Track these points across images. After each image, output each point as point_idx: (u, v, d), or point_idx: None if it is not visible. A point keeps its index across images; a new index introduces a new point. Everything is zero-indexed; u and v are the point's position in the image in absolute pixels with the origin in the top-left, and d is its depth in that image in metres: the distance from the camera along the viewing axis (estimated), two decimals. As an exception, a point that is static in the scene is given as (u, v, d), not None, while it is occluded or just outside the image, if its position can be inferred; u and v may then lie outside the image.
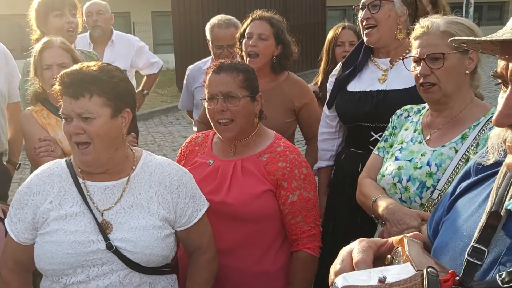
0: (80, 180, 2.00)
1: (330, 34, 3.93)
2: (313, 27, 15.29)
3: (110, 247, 1.92)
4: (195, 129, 3.93)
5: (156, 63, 5.34)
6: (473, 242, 1.09)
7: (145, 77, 5.51)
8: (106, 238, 1.92)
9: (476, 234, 1.10)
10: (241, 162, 2.28)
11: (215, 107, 2.23)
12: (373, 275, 1.00)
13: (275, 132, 2.41)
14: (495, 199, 1.12)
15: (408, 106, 2.38)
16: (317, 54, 4.23)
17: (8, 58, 3.59)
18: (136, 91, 5.23)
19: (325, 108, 3.08)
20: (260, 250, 2.28)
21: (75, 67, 1.96)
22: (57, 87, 1.95)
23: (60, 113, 1.95)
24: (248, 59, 3.13)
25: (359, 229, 2.42)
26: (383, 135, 2.41)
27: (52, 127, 2.82)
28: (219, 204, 2.23)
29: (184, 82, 4.39)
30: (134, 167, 2.06)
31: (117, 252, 1.93)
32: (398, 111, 2.39)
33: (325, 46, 3.96)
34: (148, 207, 2.00)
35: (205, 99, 2.29)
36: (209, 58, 4.35)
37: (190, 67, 4.41)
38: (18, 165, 3.79)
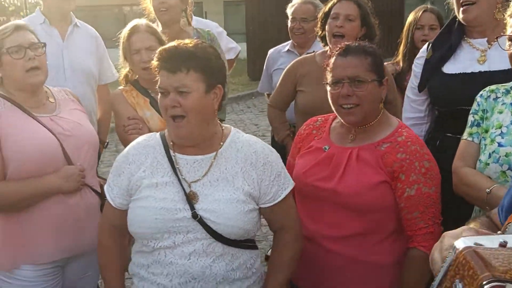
0: (172, 153, 2.10)
1: (410, 17, 3.87)
2: (390, 15, 14.91)
3: (195, 216, 2.01)
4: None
5: (234, 48, 5.37)
6: None
7: None
8: (192, 208, 2.02)
9: None
10: (358, 150, 2.18)
11: (341, 91, 2.14)
12: (493, 239, 1.00)
13: (399, 121, 2.29)
14: None
15: (493, 87, 2.25)
16: (392, 43, 4.18)
17: (99, 42, 3.75)
18: None
19: (410, 92, 2.99)
20: (373, 241, 2.18)
21: (173, 43, 2.05)
22: (155, 62, 2.03)
23: (157, 87, 2.04)
24: (332, 39, 3.09)
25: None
26: (472, 119, 2.27)
27: (140, 107, 2.93)
28: (330, 192, 2.17)
29: (264, 65, 4.48)
30: (222, 143, 2.12)
31: (201, 222, 2.01)
32: (484, 93, 2.26)
33: (404, 28, 3.91)
34: (233, 182, 2.07)
35: (327, 83, 2.22)
36: (289, 42, 4.42)
37: (270, 50, 4.53)
38: (106, 143, 3.95)
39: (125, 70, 3.05)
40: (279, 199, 2.14)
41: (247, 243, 2.14)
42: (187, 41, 2.05)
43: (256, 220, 2.13)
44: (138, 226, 2.05)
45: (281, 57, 4.38)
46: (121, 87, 3.06)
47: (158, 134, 2.19)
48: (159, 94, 2.05)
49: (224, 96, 2.15)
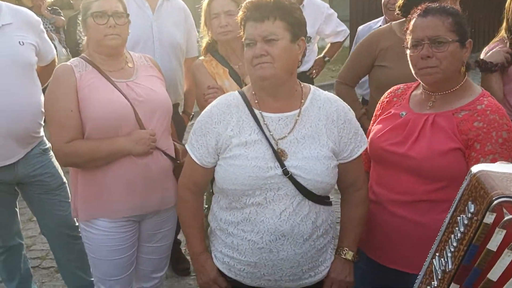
0: (257, 111, 2.14)
1: None
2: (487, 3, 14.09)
3: (286, 173, 2.06)
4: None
5: (343, 31, 5.33)
6: None
7: (328, 45, 5.53)
8: (282, 165, 2.07)
9: None
10: (434, 116, 2.15)
11: (421, 53, 2.11)
12: (510, 167, 0.98)
13: (482, 89, 2.21)
14: None
15: None
16: (490, 33, 3.97)
17: (187, 14, 3.85)
18: (317, 58, 5.43)
19: None
20: (440, 209, 2.12)
21: None
22: (241, 14, 2.10)
23: (243, 40, 2.10)
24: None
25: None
26: None
27: (220, 76, 3.02)
28: (401, 156, 2.17)
29: (354, 42, 4.44)
30: (303, 101, 2.17)
31: (292, 179, 2.07)
32: None
33: (505, 9, 3.73)
34: (318, 139, 2.11)
35: (407, 47, 2.20)
36: (381, 18, 4.36)
37: (360, 27, 4.48)
38: (192, 115, 4.12)
39: (205, 39, 3.16)
40: (355, 156, 2.19)
41: (326, 200, 2.22)
42: None
43: (337, 176, 2.19)
44: (231, 183, 2.10)
45: None
46: (201, 58, 3.18)
47: (237, 93, 2.23)
48: (245, 46, 2.09)
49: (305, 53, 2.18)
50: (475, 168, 1.01)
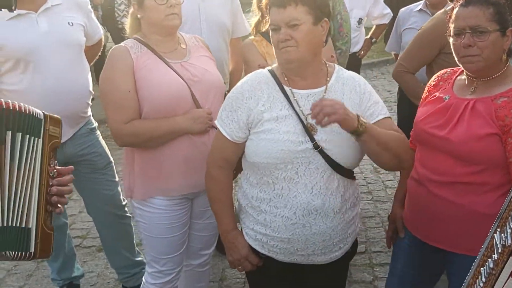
0: (286, 88, 2.19)
1: None
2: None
3: (316, 146, 2.11)
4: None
5: (388, 14, 5.64)
6: None
7: (374, 27, 5.93)
8: (312, 139, 2.12)
9: None
10: (474, 102, 2.18)
11: (462, 42, 2.14)
12: None
13: None
14: None
15: None
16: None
17: None
18: (364, 38, 5.81)
19: None
20: (478, 191, 2.18)
21: None
22: (265, 1, 2.16)
23: (269, 25, 2.15)
24: None
25: None
26: None
27: (270, 56, 3.00)
28: (441, 139, 2.21)
29: (394, 24, 4.42)
30: (329, 79, 2.22)
31: (322, 152, 2.12)
32: None
33: None
34: None
35: (450, 35, 2.22)
36: (422, 1, 4.30)
37: (402, 9, 4.46)
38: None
39: (254, 19, 3.14)
40: (374, 120, 2.20)
41: (352, 174, 2.28)
42: None
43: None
44: (264, 156, 2.14)
45: (412, 16, 4.30)
46: (251, 37, 3.16)
47: (266, 70, 2.28)
48: (271, 31, 2.15)
49: (330, 31, 2.23)
50: None
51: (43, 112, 1.71)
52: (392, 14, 5.30)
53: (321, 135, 2.13)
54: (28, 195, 1.64)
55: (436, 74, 2.49)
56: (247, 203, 2.30)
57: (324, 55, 2.30)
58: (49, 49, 3.04)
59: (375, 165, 5.88)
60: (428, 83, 2.49)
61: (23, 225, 1.63)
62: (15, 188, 1.61)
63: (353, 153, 2.17)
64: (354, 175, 2.30)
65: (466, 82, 2.28)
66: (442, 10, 3.42)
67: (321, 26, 2.14)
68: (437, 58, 3.34)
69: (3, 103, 1.61)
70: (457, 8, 2.19)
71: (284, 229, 2.20)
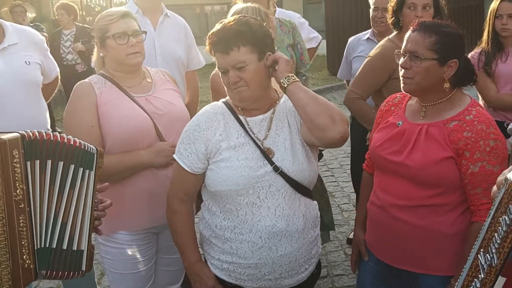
0: (241, 117, 2.25)
1: (491, 6, 3.93)
2: (470, 11, 14.49)
3: (276, 169, 2.18)
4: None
5: (315, 37, 5.46)
6: None
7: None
8: (271, 162, 2.18)
9: None
10: (427, 127, 2.26)
11: (400, 63, 2.27)
12: None
13: (472, 98, 2.32)
14: None
15: None
16: (473, 40, 4.17)
17: (188, 31, 3.91)
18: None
19: None
20: (438, 213, 2.25)
21: (218, 27, 2.17)
22: (207, 47, 2.18)
23: (217, 68, 2.20)
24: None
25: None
26: None
27: None
28: (399, 165, 2.27)
29: (344, 52, 4.56)
30: (278, 102, 2.31)
31: (281, 173, 2.18)
32: None
33: (487, 17, 3.95)
34: (291, 129, 2.25)
35: (396, 53, 2.33)
36: (369, 30, 4.48)
37: (351, 38, 4.64)
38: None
39: None
40: None
41: (311, 193, 2.34)
42: (230, 19, 2.18)
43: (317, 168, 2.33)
44: (224, 184, 2.17)
45: (361, 45, 4.45)
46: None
47: (220, 103, 2.33)
48: (220, 73, 2.20)
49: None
50: (511, 175, 1.11)
51: (96, 147, 2.01)
52: (320, 38, 5.31)
53: (277, 156, 2.20)
54: (81, 220, 1.92)
55: (386, 100, 2.57)
56: (211, 233, 2.31)
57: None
58: (6, 88, 3.00)
59: (330, 189, 6.01)
60: (379, 108, 2.56)
61: (77, 248, 1.91)
62: (69, 214, 1.88)
63: (308, 167, 2.23)
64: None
65: (417, 106, 2.36)
66: (386, 38, 3.57)
67: (266, 59, 2.17)
68: (387, 83, 3.44)
69: (65, 139, 1.88)
70: (409, 32, 2.30)
71: (251, 254, 2.22)
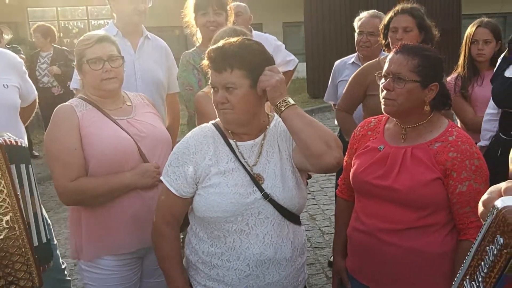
0: (231, 141, 2.21)
1: (467, 31, 4.02)
2: (447, 34, 14.68)
3: (266, 196, 2.14)
4: (336, 122, 4.07)
5: (292, 60, 5.48)
6: None
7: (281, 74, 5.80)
8: (261, 189, 2.14)
9: None
10: (412, 149, 2.27)
11: (383, 84, 2.28)
12: None
13: (449, 120, 2.36)
14: None
15: None
16: (451, 62, 4.24)
17: (168, 53, 3.90)
18: None
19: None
20: (426, 233, 2.26)
21: (220, 43, 2.14)
22: (205, 62, 2.15)
23: (209, 83, 2.17)
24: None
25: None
26: None
27: None
28: (386, 189, 2.27)
29: (330, 76, 4.59)
30: (268, 126, 2.26)
31: (271, 201, 2.14)
32: None
33: (463, 42, 4.02)
34: (282, 155, 2.22)
35: (379, 76, 2.34)
36: (355, 54, 4.50)
37: (337, 62, 4.68)
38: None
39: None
40: None
41: (299, 220, 2.31)
42: (234, 39, 2.14)
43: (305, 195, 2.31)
44: (213, 210, 2.13)
45: (346, 69, 4.49)
46: (204, 90, 3.13)
47: (210, 125, 2.29)
48: (211, 90, 2.17)
49: None
50: (499, 203, 1.09)
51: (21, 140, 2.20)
52: (297, 61, 5.33)
53: (267, 183, 2.16)
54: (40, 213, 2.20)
55: (360, 124, 2.57)
56: (197, 259, 2.26)
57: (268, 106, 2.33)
58: None
59: (310, 212, 6.00)
60: (354, 133, 2.55)
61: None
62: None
63: (298, 194, 2.20)
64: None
65: (396, 129, 2.37)
66: (373, 60, 3.66)
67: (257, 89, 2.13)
68: (365, 99, 3.63)
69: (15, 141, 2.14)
70: (391, 54, 2.32)
71: (238, 282, 2.17)
